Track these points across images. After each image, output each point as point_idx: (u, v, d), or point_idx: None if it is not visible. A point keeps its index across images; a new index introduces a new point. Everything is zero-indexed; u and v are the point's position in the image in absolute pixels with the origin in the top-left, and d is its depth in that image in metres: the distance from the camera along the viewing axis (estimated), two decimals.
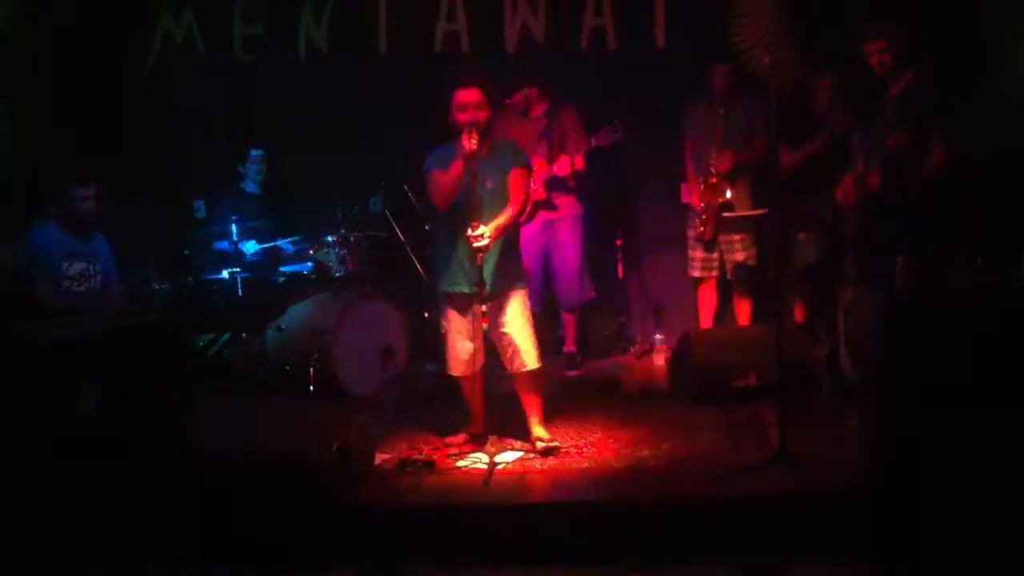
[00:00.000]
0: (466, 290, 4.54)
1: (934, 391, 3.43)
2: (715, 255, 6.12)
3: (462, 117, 4.46)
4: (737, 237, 6.02)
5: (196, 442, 4.16)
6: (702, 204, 6.05)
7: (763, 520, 3.83)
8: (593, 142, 5.94)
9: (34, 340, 4.83)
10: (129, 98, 6.81)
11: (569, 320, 6.39)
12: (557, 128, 6.13)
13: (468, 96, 4.49)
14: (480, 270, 4.39)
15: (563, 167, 6.00)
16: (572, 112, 6.15)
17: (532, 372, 4.66)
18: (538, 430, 4.70)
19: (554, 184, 6.13)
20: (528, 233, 6.04)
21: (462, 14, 6.77)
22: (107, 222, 5.55)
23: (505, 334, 4.61)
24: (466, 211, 4.44)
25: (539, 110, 6.18)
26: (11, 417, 4.58)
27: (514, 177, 4.57)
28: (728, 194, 5.95)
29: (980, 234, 4.80)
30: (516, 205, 4.56)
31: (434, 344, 5.66)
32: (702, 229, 6.05)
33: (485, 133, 4.44)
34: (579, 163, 6.02)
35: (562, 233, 6.20)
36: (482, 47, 6.74)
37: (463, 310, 4.63)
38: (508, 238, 4.60)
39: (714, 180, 5.98)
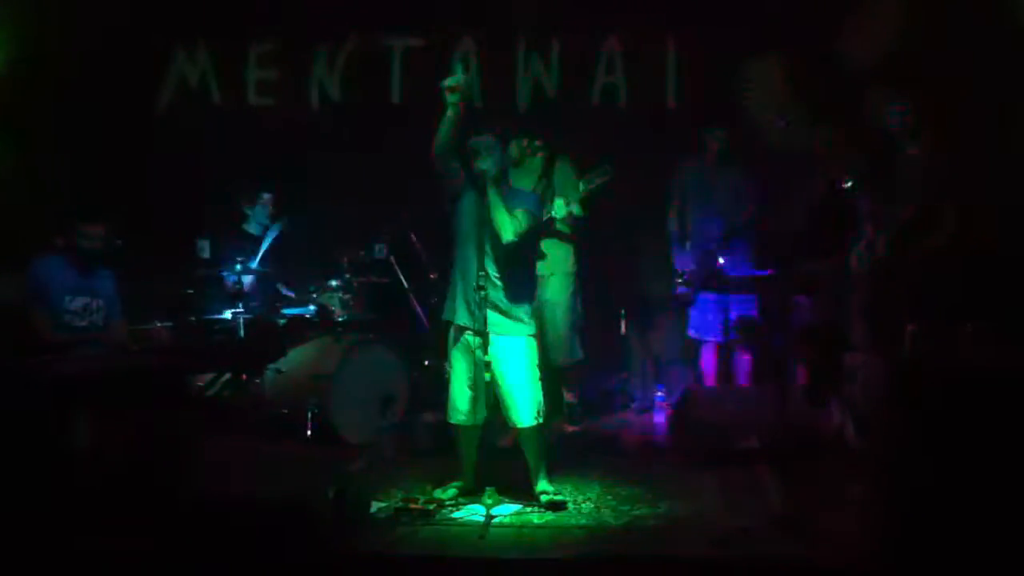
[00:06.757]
0: (467, 322, 4.50)
1: (942, 460, 3.40)
2: (715, 315, 6.10)
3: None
4: (738, 296, 6.00)
5: (194, 487, 4.10)
6: (699, 268, 6.04)
7: None
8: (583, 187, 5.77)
9: (29, 376, 4.76)
10: (140, 136, 6.85)
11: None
12: (549, 178, 5.97)
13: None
14: (483, 301, 4.35)
15: (559, 209, 5.76)
16: (568, 164, 5.99)
17: (533, 428, 4.60)
18: (543, 483, 4.64)
19: (546, 233, 5.84)
20: None
21: (475, 67, 6.84)
22: (113, 259, 5.54)
23: (508, 385, 4.55)
24: (471, 242, 4.45)
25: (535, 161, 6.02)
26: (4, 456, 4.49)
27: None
28: (721, 260, 5.95)
29: (993, 305, 4.72)
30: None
31: (432, 394, 5.63)
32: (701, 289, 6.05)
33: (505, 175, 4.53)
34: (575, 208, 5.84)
35: (551, 289, 5.89)
36: (495, 101, 6.80)
37: (467, 354, 4.57)
38: (514, 275, 4.57)
39: (714, 247, 5.99)
